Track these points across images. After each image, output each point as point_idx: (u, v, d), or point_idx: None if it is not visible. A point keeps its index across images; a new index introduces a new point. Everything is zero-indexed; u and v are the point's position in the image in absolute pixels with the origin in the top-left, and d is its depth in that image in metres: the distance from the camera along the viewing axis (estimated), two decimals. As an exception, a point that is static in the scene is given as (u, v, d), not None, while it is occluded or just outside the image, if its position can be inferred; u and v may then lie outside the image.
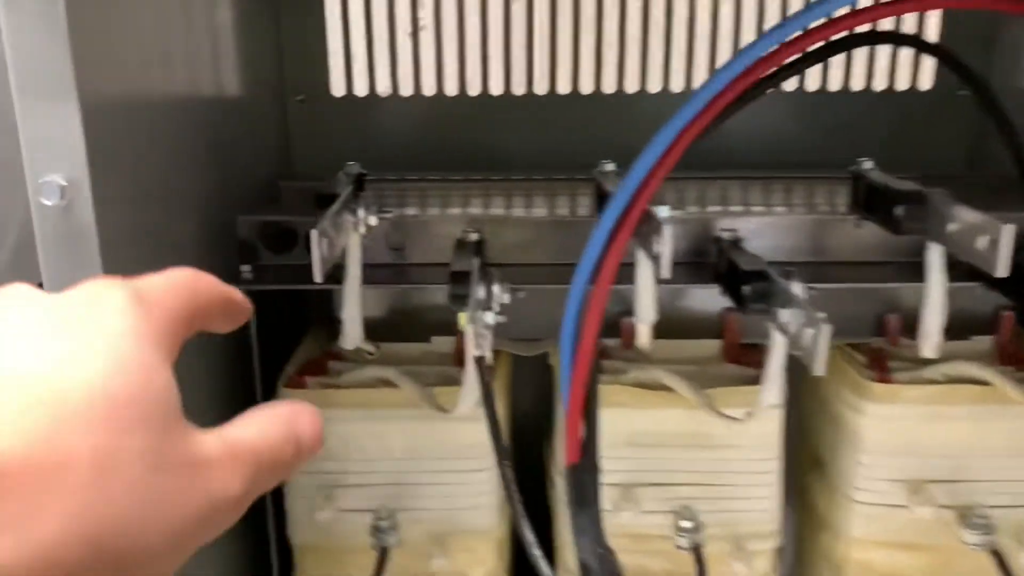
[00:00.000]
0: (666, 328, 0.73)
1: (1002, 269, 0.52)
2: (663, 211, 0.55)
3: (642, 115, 0.91)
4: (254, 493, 0.27)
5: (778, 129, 0.91)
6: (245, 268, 0.69)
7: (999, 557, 0.64)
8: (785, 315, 0.55)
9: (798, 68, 0.64)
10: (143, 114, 0.53)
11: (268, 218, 0.70)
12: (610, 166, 0.68)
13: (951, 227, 0.57)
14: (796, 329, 0.54)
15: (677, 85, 0.91)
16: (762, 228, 0.71)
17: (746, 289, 0.59)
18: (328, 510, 0.66)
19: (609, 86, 0.92)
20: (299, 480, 0.69)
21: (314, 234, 0.50)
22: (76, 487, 0.21)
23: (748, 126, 0.91)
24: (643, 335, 0.62)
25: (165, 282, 0.29)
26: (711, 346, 0.74)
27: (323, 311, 0.75)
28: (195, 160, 0.65)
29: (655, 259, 0.53)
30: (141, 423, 0.23)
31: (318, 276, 0.51)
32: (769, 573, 0.71)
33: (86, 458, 0.21)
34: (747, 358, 0.72)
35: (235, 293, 0.33)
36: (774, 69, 0.55)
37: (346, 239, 0.60)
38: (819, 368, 0.50)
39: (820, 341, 0.50)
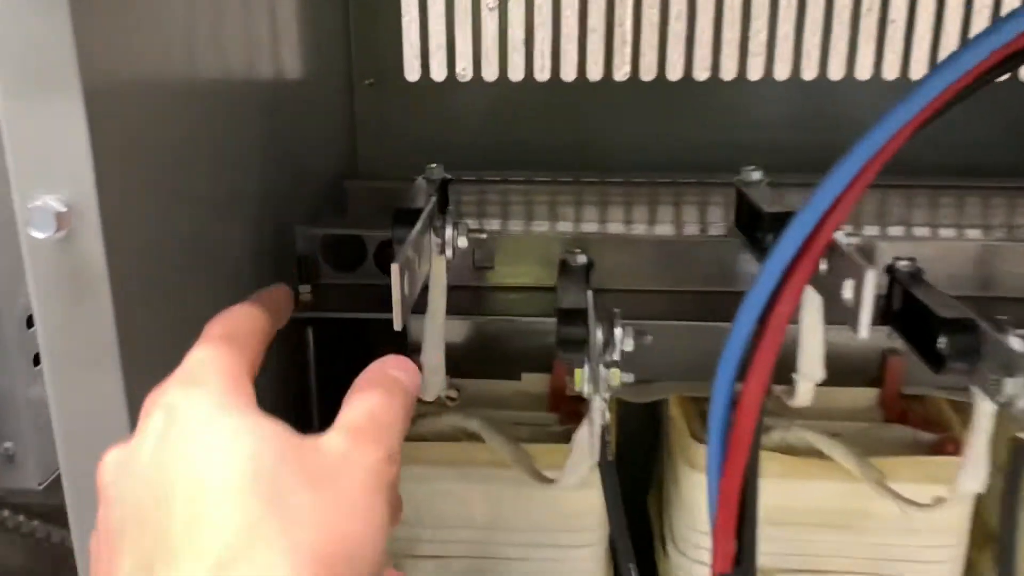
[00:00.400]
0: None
1: None
2: (841, 238, 0.42)
3: (767, 107, 0.77)
4: (396, 445, 0.32)
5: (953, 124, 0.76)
6: (304, 289, 0.57)
7: None
8: (1011, 386, 0.41)
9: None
10: (175, 108, 0.41)
11: (332, 230, 0.58)
12: (757, 174, 0.55)
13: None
14: (1017, 398, 0.41)
15: (809, 72, 0.77)
16: (941, 254, 0.57)
17: (943, 342, 0.45)
18: (396, 587, 0.55)
19: (729, 71, 0.78)
20: (363, 547, 0.57)
21: (395, 269, 0.38)
22: None
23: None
24: (806, 395, 0.49)
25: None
26: (865, 396, 0.60)
27: (393, 334, 0.64)
28: (245, 160, 0.54)
29: (844, 308, 0.40)
30: None
31: (399, 323, 0.39)
32: None
33: None
34: (915, 415, 0.58)
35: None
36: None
37: (428, 266, 0.47)
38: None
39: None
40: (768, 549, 0.55)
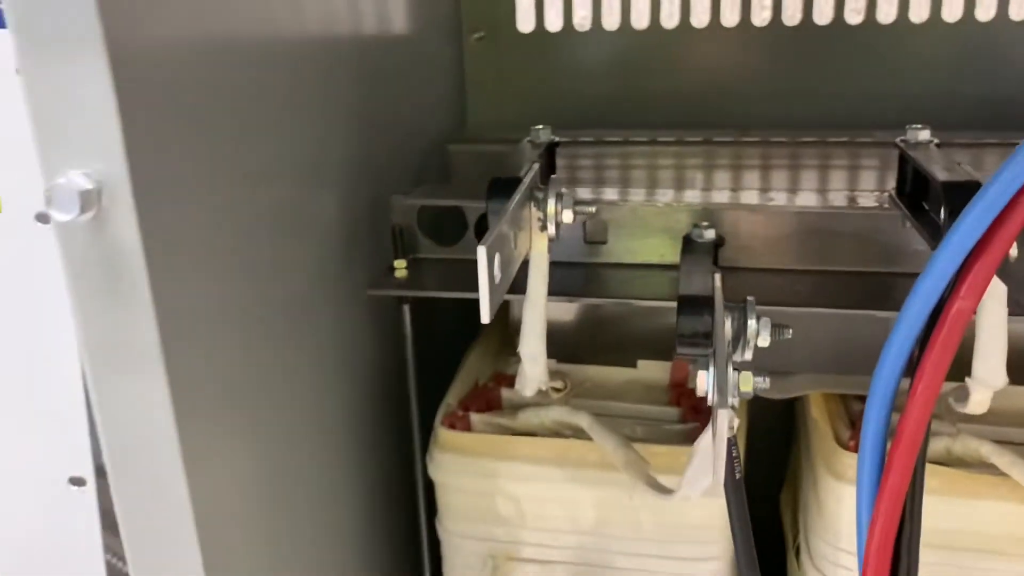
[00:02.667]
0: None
1: None
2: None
3: (933, 55, 0.66)
4: None
5: None
6: (400, 264, 0.53)
7: None
8: None
9: None
10: (232, 68, 0.36)
11: (429, 200, 0.53)
12: (925, 133, 0.45)
13: None
14: None
15: (984, 11, 0.65)
16: None
17: None
18: (496, 591, 0.50)
19: (887, 14, 0.67)
20: (460, 545, 0.52)
21: (481, 253, 0.32)
22: None
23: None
24: (981, 403, 0.40)
25: None
26: (1051, 397, 0.50)
27: (499, 312, 0.58)
28: (333, 125, 0.49)
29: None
30: None
31: (486, 314, 0.33)
32: None
33: None
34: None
35: None
36: None
37: (528, 244, 0.41)
38: None
39: None
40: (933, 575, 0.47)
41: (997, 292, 0.38)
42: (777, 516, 0.61)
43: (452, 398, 0.54)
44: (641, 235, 0.52)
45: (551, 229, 0.41)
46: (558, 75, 0.75)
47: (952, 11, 0.66)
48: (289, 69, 0.43)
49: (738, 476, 0.37)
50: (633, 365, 0.55)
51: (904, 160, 0.46)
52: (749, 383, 0.35)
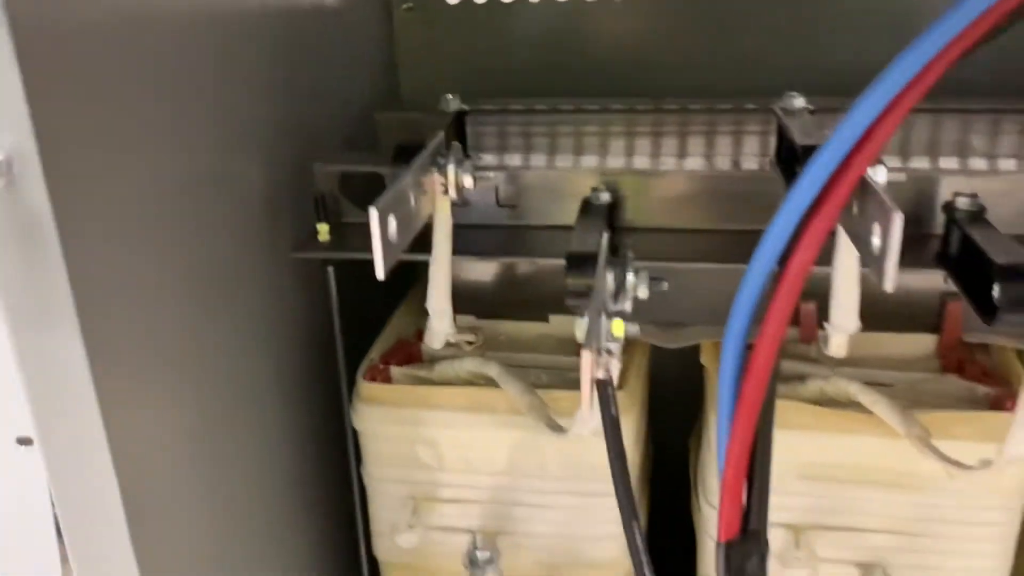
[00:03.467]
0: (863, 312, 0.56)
1: None
2: (880, 175, 0.38)
3: (842, 25, 0.70)
4: None
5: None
6: (322, 228, 0.56)
7: None
8: (1068, 342, 0.36)
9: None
10: (142, 37, 0.39)
11: (349, 167, 0.56)
12: (799, 100, 0.49)
13: None
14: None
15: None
16: (1013, 188, 0.51)
17: (999, 292, 0.40)
18: (415, 528, 0.54)
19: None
20: (383, 488, 0.56)
21: (373, 213, 0.36)
22: None
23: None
24: (839, 347, 0.45)
25: None
26: (921, 343, 0.55)
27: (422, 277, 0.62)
28: (254, 93, 0.52)
29: (872, 257, 0.36)
30: None
31: (380, 271, 0.37)
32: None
33: None
34: (973, 365, 0.53)
35: None
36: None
37: (431, 206, 0.45)
38: None
39: None
40: (800, 504, 0.52)
41: (847, 244, 0.42)
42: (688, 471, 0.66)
43: (374, 353, 0.57)
44: (550, 199, 0.56)
45: (452, 193, 0.45)
46: (487, 45, 0.77)
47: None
48: (210, 37, 0.45)
49: (614, 413, 0.41)
50: (545, 320, 0.59)
51: (781, 126, 0.50)
52: (621, 328, 0.39)
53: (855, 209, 0.39)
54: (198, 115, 0.44)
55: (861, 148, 0.36)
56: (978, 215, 0.46)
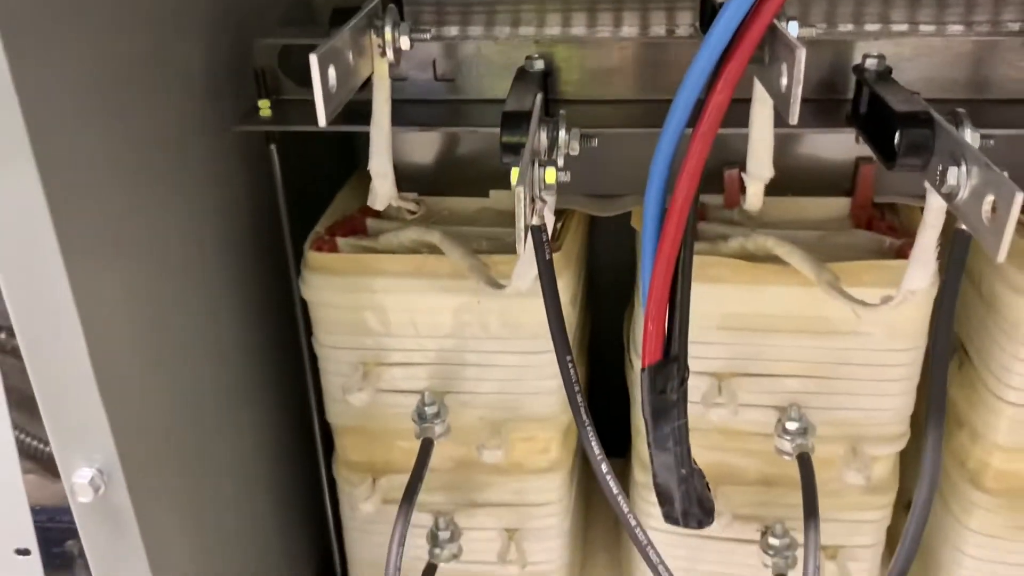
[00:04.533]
0: (780, 180, 0.59)
1: (1002, 253, 0.36)
2: (792, 28, 0.40)
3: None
4: None
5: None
6: (264, 104, 0.57)
7: None
8: (953, 175, 0.40)
9: None
10: None
11: (288, 40, 0.57)
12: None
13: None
14: (967, 194, 0.40)
15: None
16: (917, 54, 0.54)
17: (899, 138, 0.44)
18: (365, 391, 0.57)
19: None
20: (333, 355, 0.59)
21: (313, 60, 0.37)
22: None
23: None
24: (754, 196, 0.48)
25: None
26: (837, 205, 0.59)
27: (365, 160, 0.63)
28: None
29: (780, 97, 0.39)
30: None
31: (322, 118, 0.39)
32: (889, 481, 0.59)
33: None
34: (882, 222, 0.57)
35: None
36: None
37: (370, 68, 0.46)
38: (1001, 251, 0.36)
39: (1005, 213, 0.36)
40: (725, 353, 0.56)
41: (761, 94, 0.45)
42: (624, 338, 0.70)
43: (321, 227, 0.59)
44: (487, 72, 0.58)
45: (390, 54, 0.46)
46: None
47: None
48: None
49: (548, 257, 0.44)
50: (486, 196, 0.62)
51: (704, -6, 0.52)
52: (553, 176, 0.42)
53: (767, 58, 0.42)
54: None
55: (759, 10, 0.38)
56: (885, 74, 0.50)
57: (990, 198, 0.38)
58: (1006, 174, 0.37)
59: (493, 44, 0.56)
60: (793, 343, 0.55)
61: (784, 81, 0.38)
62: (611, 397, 0.67)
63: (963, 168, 0.40)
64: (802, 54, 0.36)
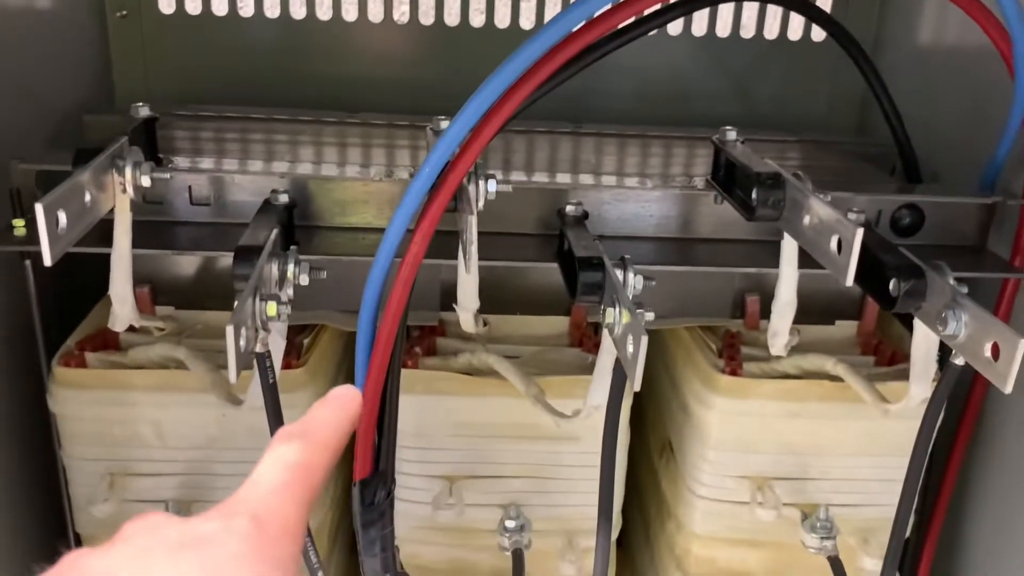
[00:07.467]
0: (515, 300, 0.67)
1: (849, 278, 0.46)
2: (491, 186, 0.48)
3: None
4: (304, 505, 0.28)
5: (652, 75, 0.84)
6: (18, 223, 0.59)
7: (837, 564, 0.61)
8: (611, 315, 0.48)
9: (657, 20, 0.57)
10: None
11: (43, 166, 0.60)
12: (445, 122, 0.59)
13: (806, 220, 0.51)
14: (621, 332, 0.48)
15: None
16: (616, 199, 0.64)
17: (579, 279, 0.52)
18: (110, 501, 0.59)
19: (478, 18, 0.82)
20: (79, 466, 0.60)
21: (39, 208, 0.41)
22: None
23: (624, 70, 0.84)
24: (467, 324, 0.55)
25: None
26: (559, 323, 0.67)
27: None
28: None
29: (465, 248, 0.46)
30: None
31: (48, 259, 0.42)
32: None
33: None
34: (591, 340, 0.66)
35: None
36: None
37: (112, 201, 0.50)
38: (635, 382, 0.44)
39: (638, 353, 0.44)
40: (454, 459, 0.62)
41: (467, 241, 0.53)
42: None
43: (72, 341, 0.61)
44: (240, 198, 0.63)
45: (131, 192, 0.50)
46: (202, 54, 0.83)
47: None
48: None
49: (272, 381, 0.49)
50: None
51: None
52: (273, 309, 0.47)
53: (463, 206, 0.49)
54: None
55: (462, 156, 0.46)
56: (580, 219, 0.59)
57: (641, 339, 0.46)
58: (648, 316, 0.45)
59: (234, 177, 0.62)
60: (514, 447, 0.62)
61: (466, 236, 0.45)
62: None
63: (620, 310, 0.48)
64: (473, 222, 0.43)
